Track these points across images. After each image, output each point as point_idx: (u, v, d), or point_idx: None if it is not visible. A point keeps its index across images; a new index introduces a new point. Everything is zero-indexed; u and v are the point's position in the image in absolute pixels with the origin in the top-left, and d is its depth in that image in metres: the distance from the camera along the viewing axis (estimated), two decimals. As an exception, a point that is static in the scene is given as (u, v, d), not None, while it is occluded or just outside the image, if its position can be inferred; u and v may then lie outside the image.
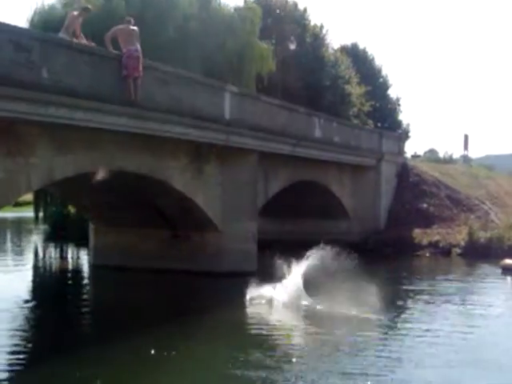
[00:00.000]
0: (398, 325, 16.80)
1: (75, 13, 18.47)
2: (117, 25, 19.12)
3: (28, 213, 52.25)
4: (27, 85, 14.71)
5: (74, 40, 17.48)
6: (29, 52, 14.92)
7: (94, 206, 25.61)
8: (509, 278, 25.25)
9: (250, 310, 17.92)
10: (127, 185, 21.95)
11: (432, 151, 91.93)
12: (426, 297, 20.98)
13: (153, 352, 13.06)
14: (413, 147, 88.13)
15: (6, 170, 15.66)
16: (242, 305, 18.25)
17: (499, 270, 26.37)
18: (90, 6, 20.21)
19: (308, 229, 34.14)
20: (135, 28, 18.60)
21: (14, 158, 15.86)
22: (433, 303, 19.96)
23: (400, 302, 20.06)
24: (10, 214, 57.79)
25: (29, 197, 41.90)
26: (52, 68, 15.52)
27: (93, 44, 18.18)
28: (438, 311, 18.78)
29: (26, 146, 16.20)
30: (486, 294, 22.00)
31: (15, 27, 15.43)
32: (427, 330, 15.68)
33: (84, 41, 18.02)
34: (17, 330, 16.06)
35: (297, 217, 34.58)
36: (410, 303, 20.20)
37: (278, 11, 46.20)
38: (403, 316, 18.18)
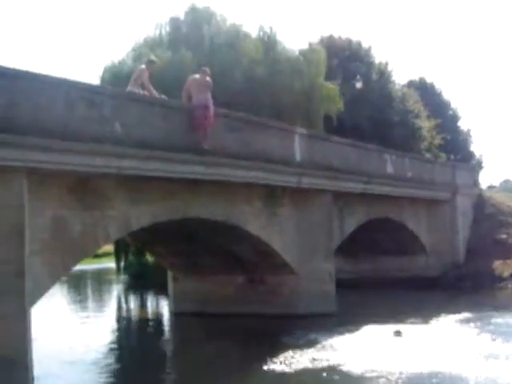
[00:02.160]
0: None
1: (142, 66, 18.91)
2: (185, 75, 19.54)
3: (107, 263, 53.05)
4: (101, 139, 15.07)
5: (142, 92, 17.90)
6: (101, 108, 15.34)
7: (170, 254, 25.83)
8: None
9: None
10: (203, 232, 22.11)
11: (507, 181, 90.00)
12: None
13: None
14: (488, 178, 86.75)
15: (84, 223, 15.83)
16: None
17: None
18: (155, 59, 20.51)
19: (385, 266, 33.87)
20: (209, 79, 18.79)
21: (91, 211, 16.08)
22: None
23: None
24: (89, 265, 58.65)
25: (107, 248, 42.71)
26: (124, 121, 15.90)
27: (163, 96, 18.54)
28: None
29: (103, 199, 16.41)
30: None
31: (86, 84, 16.02)
32: None
33: (154, 92, 18.37)
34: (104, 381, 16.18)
35: (373, 254, 34.25)
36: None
37: (342, 51, 46.57)
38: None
